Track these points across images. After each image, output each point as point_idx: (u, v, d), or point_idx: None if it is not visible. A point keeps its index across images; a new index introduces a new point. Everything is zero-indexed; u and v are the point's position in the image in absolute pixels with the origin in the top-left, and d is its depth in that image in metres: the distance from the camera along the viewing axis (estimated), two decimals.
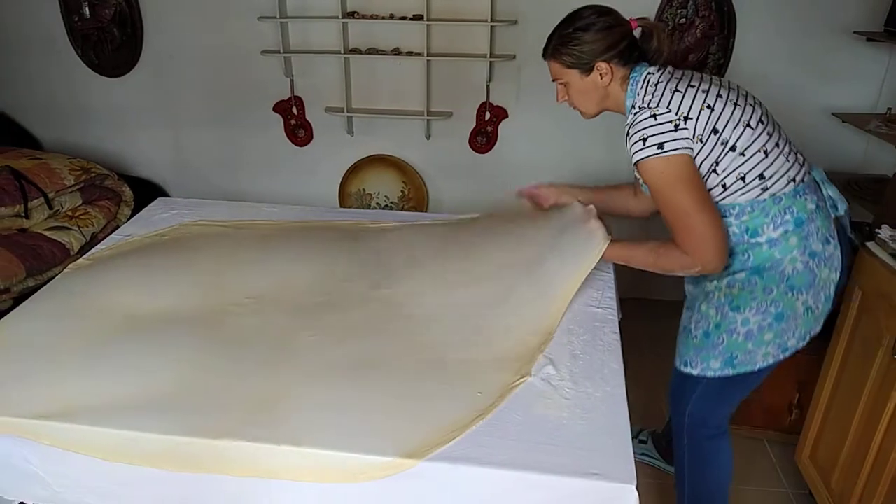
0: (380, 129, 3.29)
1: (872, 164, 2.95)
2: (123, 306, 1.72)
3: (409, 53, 3.05)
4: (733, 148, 1.52)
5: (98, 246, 2.08)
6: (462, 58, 3.03)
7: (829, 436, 2.02)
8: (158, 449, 1.32)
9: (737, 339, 1.62)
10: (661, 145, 1.49)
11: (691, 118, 1.51)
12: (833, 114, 2.84)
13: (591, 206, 1.80)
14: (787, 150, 1.58)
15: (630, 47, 1.61)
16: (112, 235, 2.14)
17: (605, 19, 1.60)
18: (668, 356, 1.83)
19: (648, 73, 1.61)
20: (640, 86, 1.60)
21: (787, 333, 1.61)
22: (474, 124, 3.18)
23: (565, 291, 1.72)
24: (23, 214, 2.72)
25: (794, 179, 1.57)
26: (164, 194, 3.49)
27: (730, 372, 1.65)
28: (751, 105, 1.57)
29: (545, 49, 1.67)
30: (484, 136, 3.20)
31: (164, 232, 2.12)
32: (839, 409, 1.96)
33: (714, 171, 1.54)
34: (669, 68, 1.64)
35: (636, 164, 1.54)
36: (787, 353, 1.64)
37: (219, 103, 3.33)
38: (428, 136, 3.23)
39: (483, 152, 3.25)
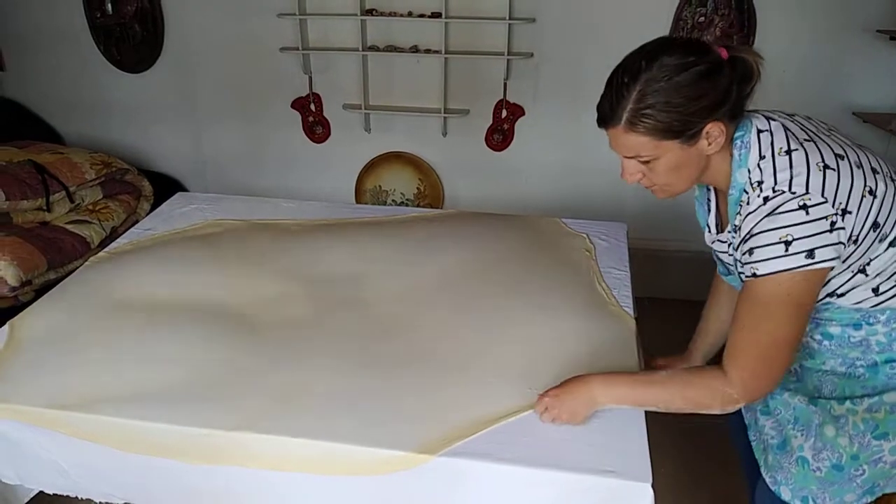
0: (397, 127, 3.30)
1: (894, 164, 2.90)
2: (143, 299, 1.74)
3: (427, 51, 3.06)
4: (893, 243, 1.16)
5: (118, 240, 2.11)
6: (479, 55, 3.03)
7: None
8: (176, 440, 1.34)
9: (882, 468, 1.27)
10: (810, 253, 1.06)
11: (850, 212, 1.09)
12: (854, 113, 2.81)
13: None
14: None
15: (740, 93, 1.14)
16: (132, 229, 2.16)
17: (704, 59, 1.09)
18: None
19: (760, 131, 1.15)
20: (754, 150, 1.14)
21: None
22: (491, 122, 3.18)
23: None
24: (45, 208, 2.76)
25: None
26: (183, 189, 3.53)
27: (868, 500, 1.30)
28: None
29: (610, 113, 1.13)
30: (500, 134, 3.20)
31: (186, 230, 2.14)
32: None
33: (863, 272, 1.16)
34: (783, 118, 1.20)
35: (763, 275, 1.09)
36: None
37: (238, 100, 3.36)
38: (444, 134, 3.24)
39: (499, 150, 3.24)
